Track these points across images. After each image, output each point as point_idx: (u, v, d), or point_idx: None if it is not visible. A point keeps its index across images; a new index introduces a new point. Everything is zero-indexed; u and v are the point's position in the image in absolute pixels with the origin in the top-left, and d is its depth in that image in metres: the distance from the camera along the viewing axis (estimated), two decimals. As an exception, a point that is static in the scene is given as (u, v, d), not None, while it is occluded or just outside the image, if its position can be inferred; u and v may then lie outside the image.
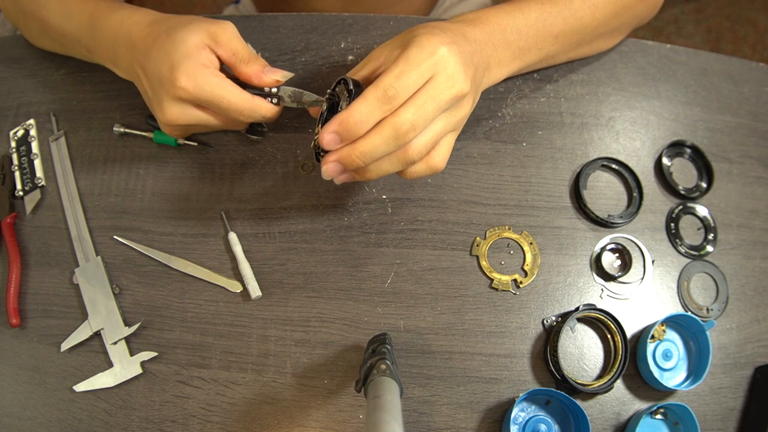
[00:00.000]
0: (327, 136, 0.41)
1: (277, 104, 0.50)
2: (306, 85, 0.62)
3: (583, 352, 0.54)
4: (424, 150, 0.44)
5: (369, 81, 0.46)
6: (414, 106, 0.41)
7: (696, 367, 0.53)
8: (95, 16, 0.53)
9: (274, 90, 0.50)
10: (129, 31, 0.50)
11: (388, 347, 0.45)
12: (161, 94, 0.47)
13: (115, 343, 0.52)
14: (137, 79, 0.51)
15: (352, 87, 0.44)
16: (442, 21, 0.49)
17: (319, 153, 0.45)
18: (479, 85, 0.48)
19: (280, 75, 0.49)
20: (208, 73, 0.47)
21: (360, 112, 0.40)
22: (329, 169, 0.43)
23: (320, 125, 0.47)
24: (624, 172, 0.60)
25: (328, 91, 0.47)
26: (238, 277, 0.54)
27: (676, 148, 0.62)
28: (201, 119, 0.49)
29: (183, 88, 0.46)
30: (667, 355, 0.53)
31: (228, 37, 0.49)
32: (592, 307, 0.53)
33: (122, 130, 0.60)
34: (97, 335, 0.53)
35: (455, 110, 0.45)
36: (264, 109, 0.49)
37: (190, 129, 0.51)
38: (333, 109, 0.47)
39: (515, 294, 0.55)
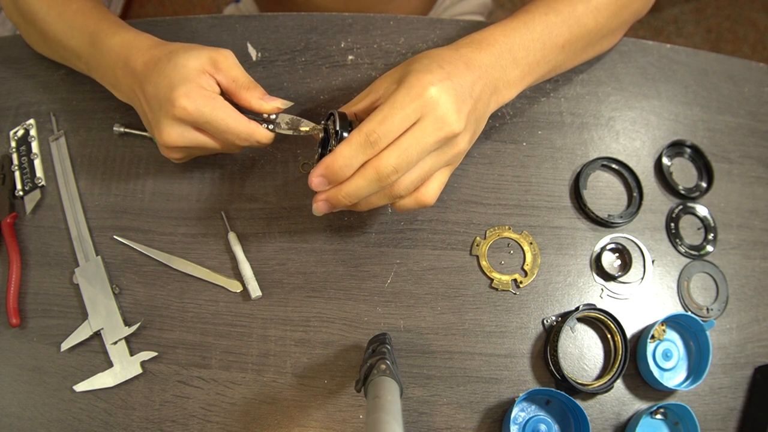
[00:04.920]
0: (315, 179, 0.43)
1: (272, 131, 0.50)
2: (305, 85, 0.62)
3: (583, 352, 0.54)
4: (412, 187, 0.45)
5: (370, 112, 0.46)
6: (398, 149, 0.42)
7: (696, 367, 0.53)
8: (96, 36, 0.53)
9: (272, 116, 0.50)
10: (129, 55, 0.50)
11: (388, 347, 0.45)
12: (160, 115, 0.48)
13: (115, 343, 0.52)
14: (137, 102, 0.51)
15: (338, 128, 0.46)
16: (446, 48, 0.49)
17: None
18: (480, 116, 0.48)
19: (280, 102, 0.50)
20: (207, 95, 0.47)
21: (343, 157, 0.42)
22: (319, 207, 0.45)
23: (319, 150, 0.49)
24: (624, 172, 0.60)
25: (322, 122, 0.49)
26: (238, 277, 0.55)
27: (676, 148, 0.62)
28: (199, 141, 0.49)
29: (182, 107, 0.46)
30: (667, 355, 0.53)
31: (228, 64, 0.49)
32: (592, 307, 0.53)
33: (122, 130, 0.60)
34: (97, 335, 0.53)
35: (447, 149, 0.45)
36: (260, 134, 0.49)
37: (189, 152, 0.52)
38: (326, 142, 0.49)
39: (515, 294, 0.55)
